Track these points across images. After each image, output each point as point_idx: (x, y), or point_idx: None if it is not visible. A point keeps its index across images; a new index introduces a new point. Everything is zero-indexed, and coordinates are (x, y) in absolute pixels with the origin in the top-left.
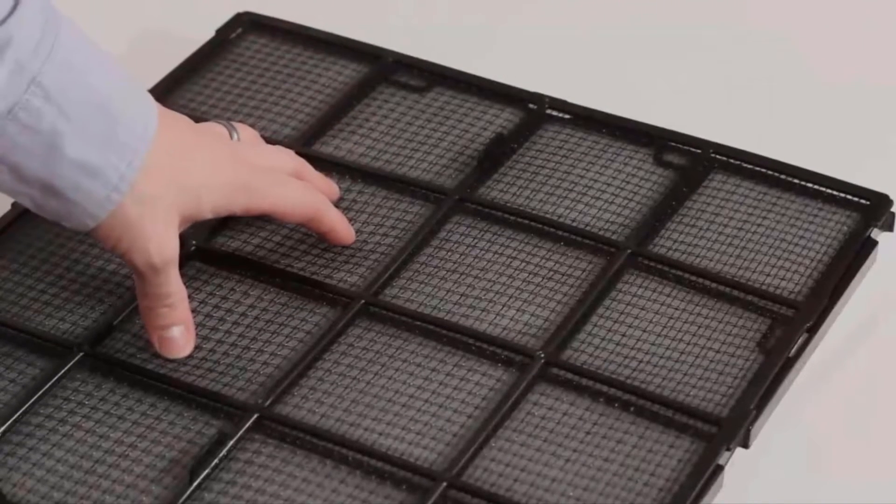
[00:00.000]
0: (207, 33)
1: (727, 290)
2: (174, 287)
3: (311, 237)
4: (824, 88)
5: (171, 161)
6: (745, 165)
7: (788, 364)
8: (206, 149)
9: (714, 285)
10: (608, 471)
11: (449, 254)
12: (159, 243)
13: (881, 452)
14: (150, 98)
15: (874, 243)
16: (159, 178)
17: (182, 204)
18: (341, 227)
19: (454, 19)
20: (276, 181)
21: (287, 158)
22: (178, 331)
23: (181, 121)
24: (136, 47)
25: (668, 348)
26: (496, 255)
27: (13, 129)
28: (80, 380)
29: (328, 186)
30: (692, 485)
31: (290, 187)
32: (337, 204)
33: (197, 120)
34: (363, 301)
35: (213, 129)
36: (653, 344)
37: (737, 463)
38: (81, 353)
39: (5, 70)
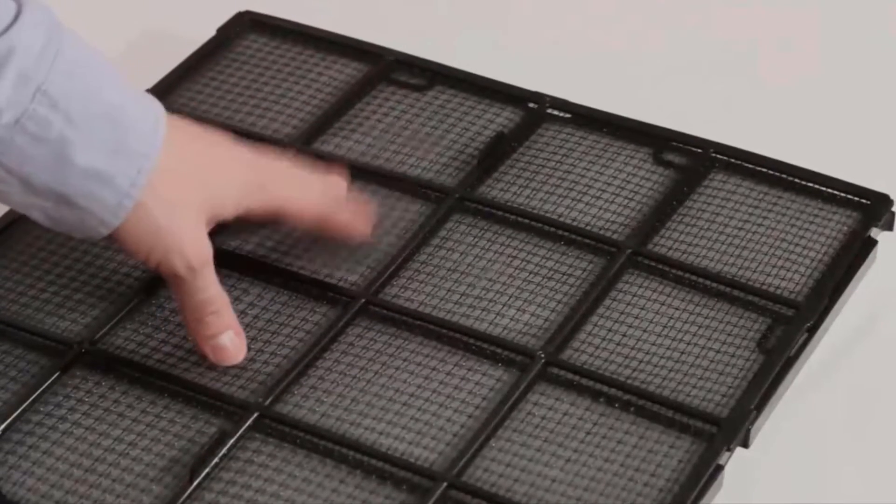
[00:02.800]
0: (208, 32)
1: (727, 289)
2: (215, 291)
3: (309, 235)
4: (824, 88)
5: (188, 163)
6: (745, 165)
7: (788, 364)
8: (219, 150)
9: (714, 285)
10: (608, 471)
11: (449, 253)
12: (193, 243)
13: (881, 452)
14: (158, 104)
15: (874, 243)
16: (180, 179)
17: (207, 203)
18: (353, 224)
19: (455, 18)
20: (287, 181)
21: (289, 162)
22: (227, 337)
23: (188, 125)
24: (138, 46)
25: (668, 348)
26: (496, 255)
27: (22, 140)
28: (80, 377)
29: (334, 185)
30: (692, 485)
31: (302, 188)
32: None
33: (199, 118)
34: (363, 300)
35: (217, 132)
36: (653, 344)
37: (737, 463)
38: (80, 351)
39: (10, 80)
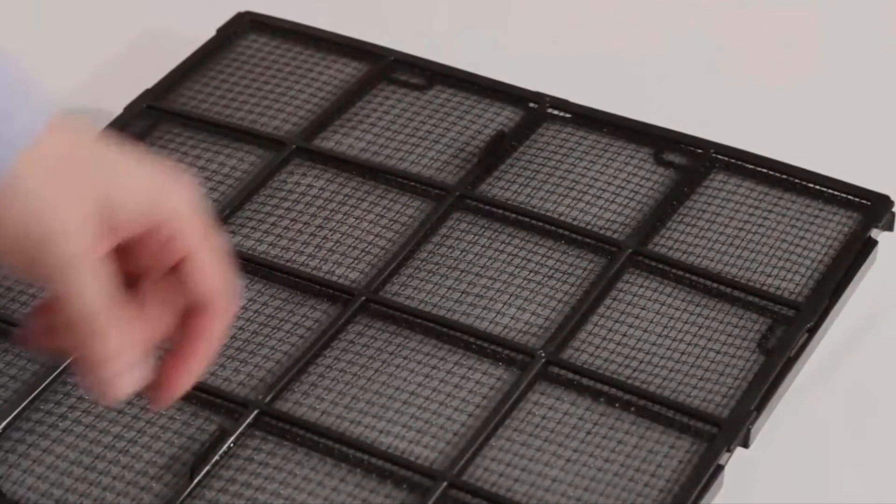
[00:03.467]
0: (209, 32)
1: (728, 290)
2: (101, 302)
3: (309, 232)
4: (824, 88)
5: (70, 163)
6: (746, 165)
7: (789, 364)
8: (110, 152)
9: (715, 285)
10: (609, 471)
11: (449, 251)
12: (77, 230)
13: (881, 452)
14: (44, 104)
15: (874, 243)
16: (69, 169)
17: (94, 201)
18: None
19: (455, 18)
20: (179, 195)
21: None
22: (114, 369)
23: (83, 131)
24: (138, 46)
25: (668, 348)
26: (497, 253)
27: None
28: None
29: None
30: (693, 485)
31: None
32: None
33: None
34: (363, 298)
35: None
36: (654, 344)
37: (737, 463)
38: None
39: None
